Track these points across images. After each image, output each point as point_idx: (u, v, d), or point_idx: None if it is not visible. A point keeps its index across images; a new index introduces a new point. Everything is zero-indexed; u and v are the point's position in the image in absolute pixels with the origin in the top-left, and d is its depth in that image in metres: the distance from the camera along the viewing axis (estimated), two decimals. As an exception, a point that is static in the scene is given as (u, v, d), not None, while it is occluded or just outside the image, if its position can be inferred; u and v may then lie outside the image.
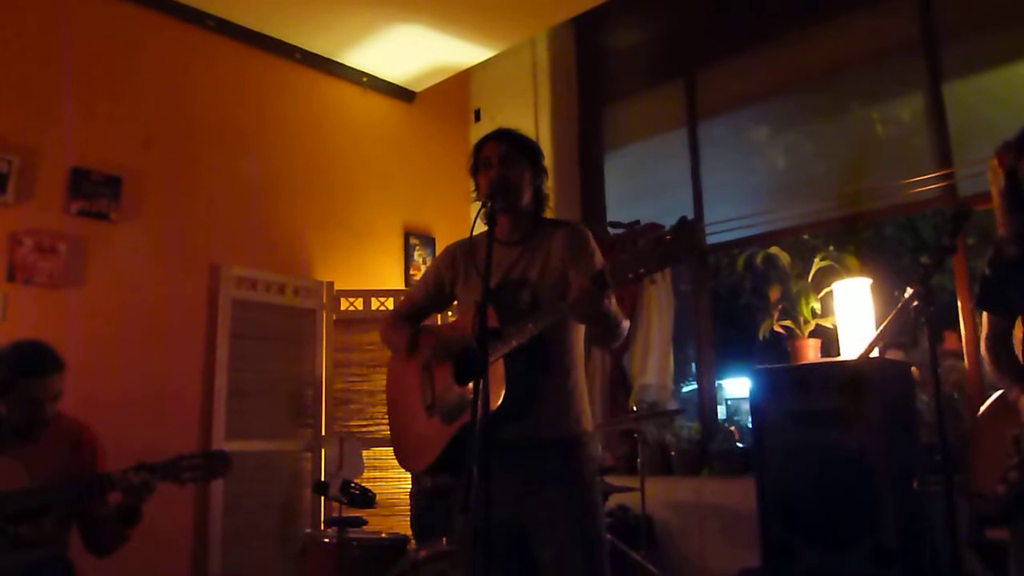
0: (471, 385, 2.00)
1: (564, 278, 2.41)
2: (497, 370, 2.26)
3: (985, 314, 2.38)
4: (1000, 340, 2.30)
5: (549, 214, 2.63)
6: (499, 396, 2.24)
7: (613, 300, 2.24)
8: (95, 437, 2.96)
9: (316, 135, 5.23)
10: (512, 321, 2.29)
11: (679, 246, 1.94)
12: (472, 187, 2.59)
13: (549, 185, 2.63)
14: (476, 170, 2.56)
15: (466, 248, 2.61)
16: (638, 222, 5.00)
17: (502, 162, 2.48)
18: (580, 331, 2.50)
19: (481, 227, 2.35)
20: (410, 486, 4.02)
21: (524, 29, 5.21)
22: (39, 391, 2.76)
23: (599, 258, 2.45)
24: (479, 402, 1.92)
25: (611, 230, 5.24)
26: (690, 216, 5.02)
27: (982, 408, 2.38)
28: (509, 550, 2.32)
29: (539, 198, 2.57)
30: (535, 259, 2.48)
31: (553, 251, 2.47)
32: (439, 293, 2.69)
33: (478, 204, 2.41)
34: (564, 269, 2.43)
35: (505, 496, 2.24)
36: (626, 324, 2.37)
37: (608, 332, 2.35)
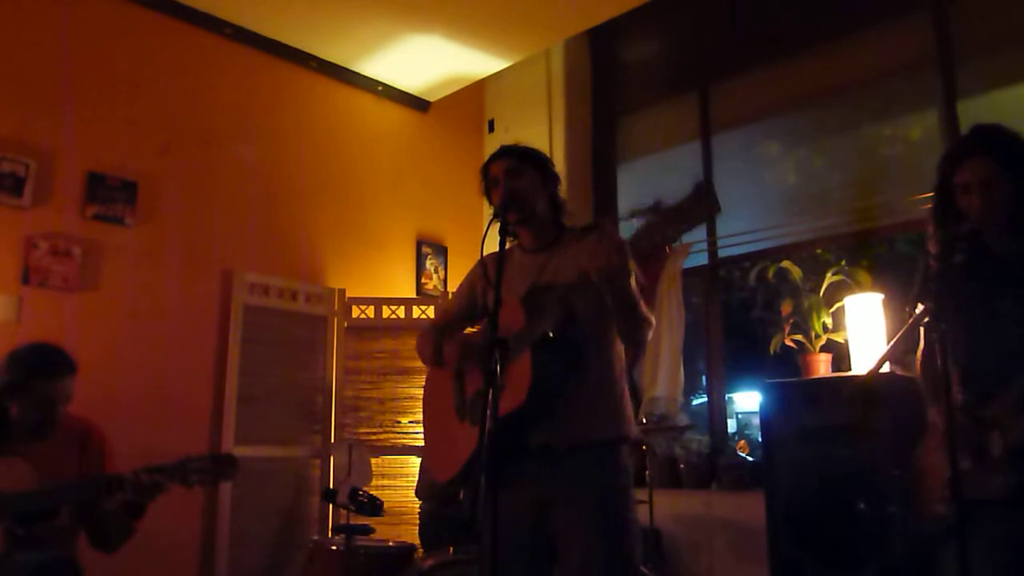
0: (499, 380, 1.97)
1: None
2: (523, 365, 2.22)
3: (922, 331, 2.39)
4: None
5: (567, 220, 2.63)
6: (523, 391, 2.19)
7: (637, 288, 2.22)
8: (103, 436, 2.97)
9: (330, 143, 5.26)
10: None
11: (696, 209, 1.96)
12: (487, 206, 2.60)
13: (562, 193, 2.63)
14: (488, 191, 2.57)
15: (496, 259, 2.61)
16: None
17: (508, 176, 2.48)
18: (614, 334, 2.43)
19: (492, 237, 2.36)
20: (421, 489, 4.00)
21: (539, 41, 5.23)
22: (52, 392, 2.79)
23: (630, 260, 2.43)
24: (487, 409, 1.92)
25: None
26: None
27: (926, 431, 2.40)
28: (535, 565, 2.30)
29: (556, 204, 2.57)
30: (562, 264, 2.46)
31: (582, 254, 2.43)
32: (472, 304, 2.69)
33: (497, 220, 2.41)
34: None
35: (531, 502, 2.24)
36: (649, 328, 2.33)
37: (632, 322, 2.29)
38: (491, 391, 1.94)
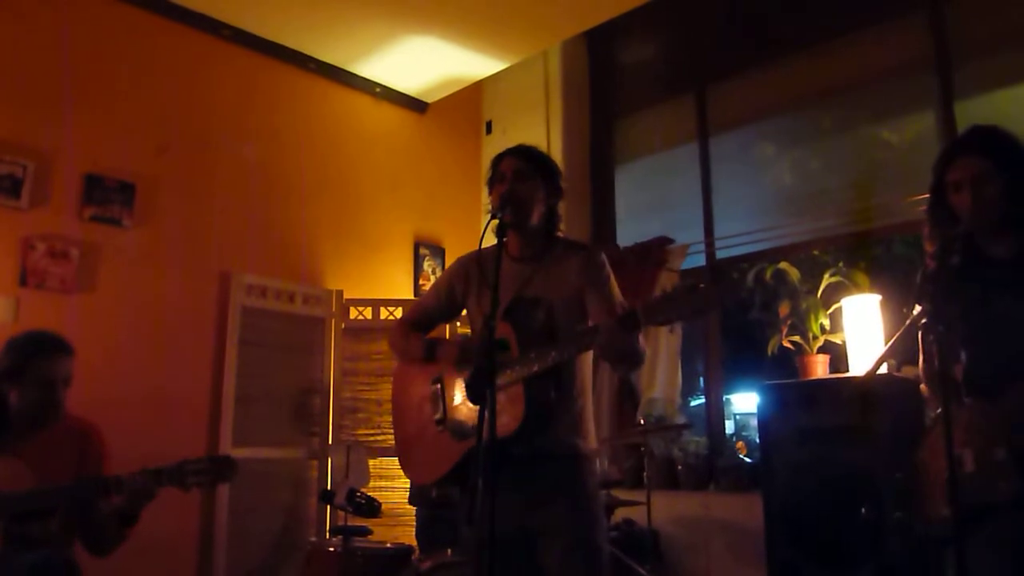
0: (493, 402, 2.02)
1: (579, 299, 2.45)
2: (517, 393, 2.29)
3: (923, 343, 2.38)
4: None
5: (560, 234, 2.65)
6: (518, 418, 2.27)
7: (640, 336, 2.27)
8: (101, 437, 2.97)
9: (328, 144, 5.26)
10: (529, 339, 2.32)
11: (712, 299, 1.95)
12: (487, 199, 2.62)
13: (560, 209, 2.64)
14: (491, 183, 2.58)
15: (478, 261, 2.62)
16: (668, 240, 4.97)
17: (515, 177, 2.50)
18: (589, 352, 2.51)
19: (491, 239, 2.37)
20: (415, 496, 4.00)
21: (537, 42, 5.23)
22: (50, 372, 2.79)
23: (615, 284, 2.48)
24: (485, 415, 1.93)
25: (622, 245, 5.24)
26: (701, 240, 5.04)
27: (927, 433, 2.39)
28: (518, 560, 2.34)
29: (551, 218, 2.58)
30: (548, 278, 2.49)
31: (568, 271, 2.49)
32: (450, 303, 2.71)
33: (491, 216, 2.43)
34: (579, 290, 2.46)
35: (514, 507, 2.27)
36: (645, 354, 2.43)
37: (631, 366, 2.45)
38: (488, 392, 1.95)
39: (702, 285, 1.97)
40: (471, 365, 2.47)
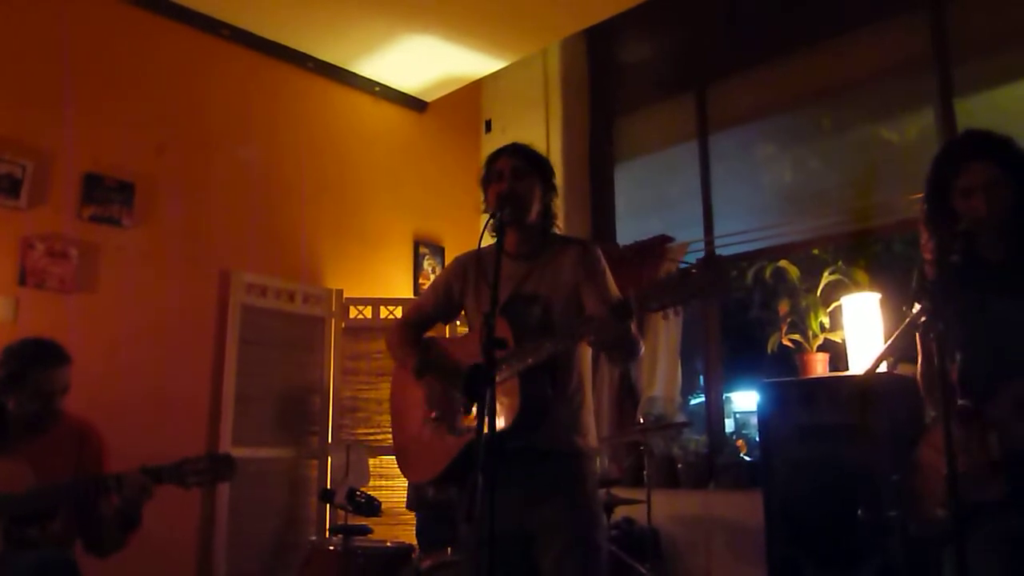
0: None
1: (576, 295, 2.45)
2: (512, 387, 2.28)
3: (922, 343, 2.39)
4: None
5: (556, 231, 2.65)
6: (514, 412, 2.26)
7: (634, 325, 2.26)
8: (100, 436, 2.98)
9: (328, 143, 5.25)
10: (525, 335, 2.31)
11: (706, 282, 1.95)
12: (482, 198, 2.62)
13: (559, 197, 2.65)
14: (487, 182, 2.58)
15: (475, 259, 2.62)
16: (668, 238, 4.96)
17: (513, 175, 2.50)
18: (587, 348, 2.51)
19: (489, 239, 2.37)
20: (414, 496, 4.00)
21: (536, 41, 5.23)
22: (50, 382, 2.81)
23: (611, 279, 2.48)
24: (485, 413, 1.93)
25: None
26: (703, 234, 5.03)
27: (924, 434, 2.40)
28: (514, 558, 2.33)
29: (548, 215, 2.59)
30: (545, 274, 2.50)
31: (564, 267, 2.50)
32: (448, 303, 2.71)
33: (487, 215, 2.43)
34: (576, 286, 2.46)
35: (513, 505, 2.26)
36: (642, 345, 2.43)
37: (627, 356, 2.44)
38: (488, 392, 1.95)
39: (695, 270, 1.96)
40: (453, 381, 2.47)
